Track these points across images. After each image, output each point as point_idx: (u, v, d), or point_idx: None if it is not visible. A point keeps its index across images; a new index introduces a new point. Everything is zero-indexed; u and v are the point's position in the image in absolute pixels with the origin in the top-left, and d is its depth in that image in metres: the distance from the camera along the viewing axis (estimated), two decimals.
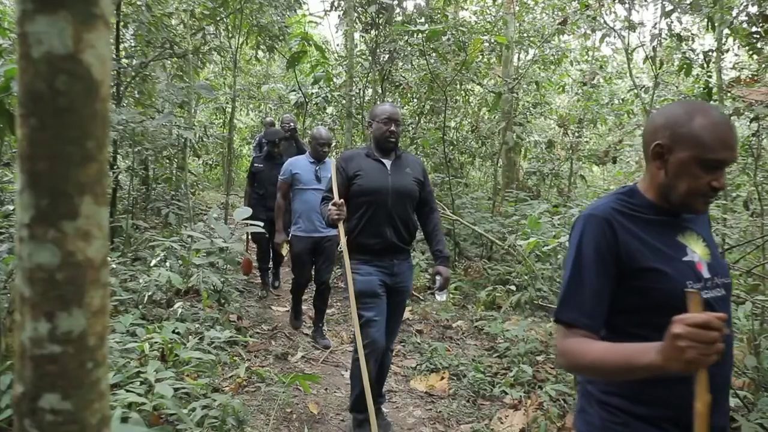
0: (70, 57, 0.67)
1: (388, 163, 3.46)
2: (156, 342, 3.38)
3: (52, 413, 0.70)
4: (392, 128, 3.40)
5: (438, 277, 3.50)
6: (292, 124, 7.41)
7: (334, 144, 13.06)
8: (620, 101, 10.75)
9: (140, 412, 2.64)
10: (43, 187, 0.67)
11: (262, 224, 5.32)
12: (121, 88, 6.79)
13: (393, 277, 3.46)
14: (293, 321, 5.42)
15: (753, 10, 5.37)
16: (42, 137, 0.67)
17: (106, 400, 0.75)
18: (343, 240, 3.25)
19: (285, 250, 5.27)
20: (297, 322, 5.41)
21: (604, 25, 7.35)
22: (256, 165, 6.53)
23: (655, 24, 6.35)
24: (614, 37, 7.45)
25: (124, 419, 2.43)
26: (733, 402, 2.95)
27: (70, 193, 0.68)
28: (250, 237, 7.08)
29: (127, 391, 2.72)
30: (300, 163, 5.17)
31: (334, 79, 10.25)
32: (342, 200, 3.16)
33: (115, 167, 6.62)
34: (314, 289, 5.31)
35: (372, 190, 3.36)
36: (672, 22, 6.30)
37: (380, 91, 9.16)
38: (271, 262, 6.83)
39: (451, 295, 6.46)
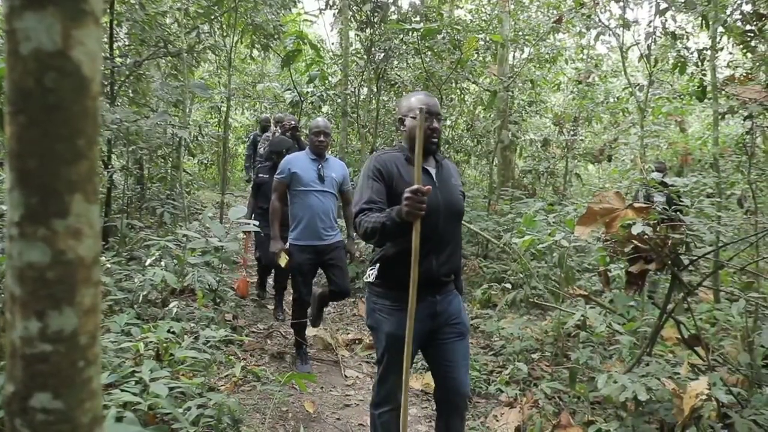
0: (59, 54, 0.66)
1: (432, 171, 2.67)
2: (151, 341, 3.37)
3: (43, 412, 0.69)
4: (434, 124, 2.60)
5: None
6: (293, 122, 7.09)
7: (331, 144, 13.12)
8: (615, 99, 10.78)
9: (135, 411, 2.63)
10: (33, 185, 0.67)
11: (258, 229, 5.30)
12: (116, 87, 6.77)
13: (435, 318, 2.62)
14: (299, 365, 4.60)
15: (747, 8, 5.39)
16: (31, 135, 0.66)
17: (98, 399, 0.75)
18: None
19: (283, 261, 4.53)
20: (305, 366, 4.60)
21: (599, 24, 7.36)
22: (260, 176, 5.97)
23: (650, 22, 6.36)
24: (609, 35, 7.46)
25: (119, 419, 2.42)
26: (726, 398, 2.95)
27: (60, 191, 0.68)
28: (255, 256, 6.52)
29: (122, 390, 2.71)
30: (299, 161, 4.49)
31: (330, 78, 10.25)
32: (428, 187, 2.27)
33: (109, 166, 6.60)
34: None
35: None
36: (666, 20, 6.32)
37: (375, 89, 9.16)
38: (269, 281, 6.29)
39: None
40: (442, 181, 2.69)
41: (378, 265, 2.64)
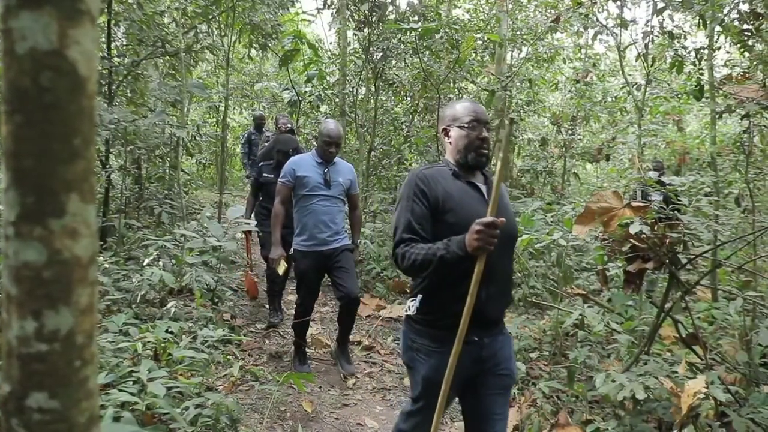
0: (55, 53, 0.66)
1: (483, 188, 2.31)
2: (149, 341, 3.37)
3: (39, 412, 0.69)
4: (484, 134, 2.28)
5: None
6: (289, 125, 7.04)
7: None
8: (613, 99, 10.79)
9: (133, 411, 2.63)
10: (29, 185, 0.67)
11: (254, 227, 5.27)
12: (113, 87, 6.76)
13: (479, 364, 2.25)
14: (297, 365, 4.50)
15: (744, 7, 5.39)
16: (27, 134, 0.66)
17: (95, 399, 0.75)
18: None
19: (282, 269, 4.34)
20: (303, 367, 4.49)
21: (597, 23, 7.37)
22: (264, 175, 5.71)
23: (647, 21, 6.37)
24: (607, 34, 7.47)
25: (117, 418, 2.42)
26: (724, 397, 2.96)
27: (56, 191, 0.68)
28: (253, 260, 6.27)
29: (120, 390, 2.71)
30: (305, 164, 4.29)
31: (327, 78, 10.24)
32: (502, 219, 1.96)
33: (107, 166, 6.60)
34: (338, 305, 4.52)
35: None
36: (664, 19, 6.32)
37: (373, 89, 9.15)
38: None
39: None
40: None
41: (420, 296, 2.27)
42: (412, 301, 2.32)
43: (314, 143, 13.63)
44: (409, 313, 2.32)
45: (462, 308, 1.97)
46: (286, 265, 4.36)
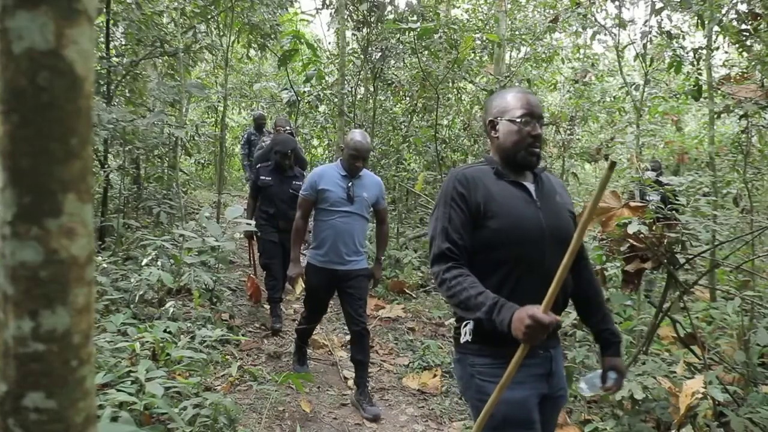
0: (52, 53, 0.66)
1: (531, 187, 2.07)
2: (147, 341, 3.37)
3: (36, 412, 0.69)
4: (537, 130, 2.02)
5: (612, 374, 2.08)
6: (287, 128, 6.96)
7: (326, 143, 13.09)
8: (612, 99, 10.79)
9: (131, 411, 2.63)
10: (26, 185, 0.67)
11: (253, 225, 5.25)
12: (112, 87, 6.75)
13: (550, 379, 2.03)
14: (297, 366, 4.47)
15: (742, 7, 5.39)
16: (24, 134, 0.66)
17: (92, 399, 0.75)
18: None
19: (300, 288, 4.07)
20: (303, 368, 4.46)
21: (595, 23, 7.37)
22: (262, 178, 5.49)
23: (646, 21, 6.36)
24: (605, 34, 7.47)
25: (115, 418, 2.42)
26: (722, 397, 2.97)
27: (53, 191, 0.68)
28: (258, 262, 5.93)
29: (118, 390, 2.71)
30: (329, 177, 3.98)
31: (326, 78, 10.24)
32: (556, 318, 1.74)
33: (106, 166, 6.59)
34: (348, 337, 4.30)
35: (520, 237, 1.95)
36: (662, 19, 6.32)
37: (372, 89, 9.15)
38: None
39: None
40: (544, 199, 2.07)
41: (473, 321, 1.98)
42: (466, 325, 2.00)
43: (313, 144, 13.66)
44: (466, 339, 1.98)
45: None
46: (303, 285, 4.06)
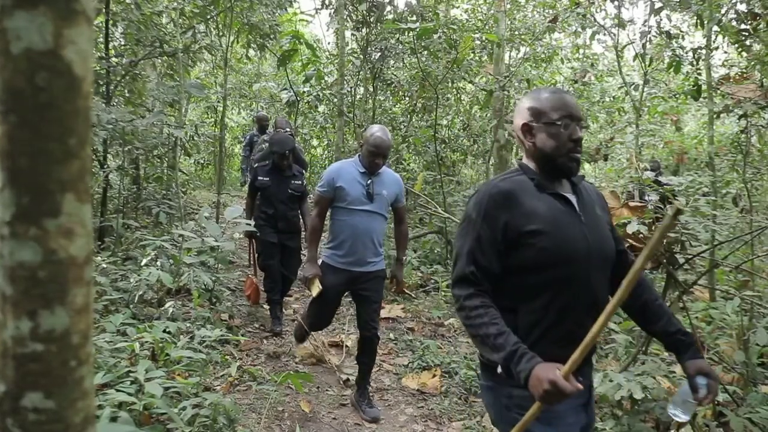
0: (51, 53, 0.66)
1: (573, 199, 1.88)
2: (147, 341, 3.37)
3: (34, 412, 0.69)
4: (578, 134, 1.83)
5: (701, 379, 1.80)
6: (288, 129, 6.89)
7: (326, 143, 13.09)
8: (611, 99, 10.80)
9: (130, 411, 2.63)
10: (24, 185, 0.67)
11: (254, 228, 5.23)
12: (111, 87, 6.75)
13: (589, 408, 1.91)
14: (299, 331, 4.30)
15: (742, 7, 5.39)
16: (22, 134, 0.66)
17: (90, 399, 0.75)
18: None
19: (316, 290, 3.79)
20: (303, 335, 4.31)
21: (595, 23, 7.37)
22: (260, 179, 5.39)
23: (645, 21, 6.37)
24: (604, 34, 7.48)
25: (114, 418, 2.42)
26: (722, 396, 2.97)
27: (51, 191, 0.68)
28: (257, 263, 5.83)
29: (117, 390, 2.71)
30: (347, 174, 3.78)
31: (326, 78, 10.25)
32: (578, 387, 1.56)
33: (105, 166, 6.59)
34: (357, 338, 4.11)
35: (567, 257, 1.76)
36: (661, 19, 6.33)
37: (372, 89, 9.16)
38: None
39: (443, 293, 6.47)
40: (586, 212, 1.87)
41: None
42: None
43: (313, 144, 13.66)
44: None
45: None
46: (320, 287, 3.80)
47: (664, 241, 3.24)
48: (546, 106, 1.85)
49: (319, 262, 3.90)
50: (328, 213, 3.95)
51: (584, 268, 1.77)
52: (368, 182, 3.76)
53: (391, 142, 3.82)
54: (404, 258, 4.16)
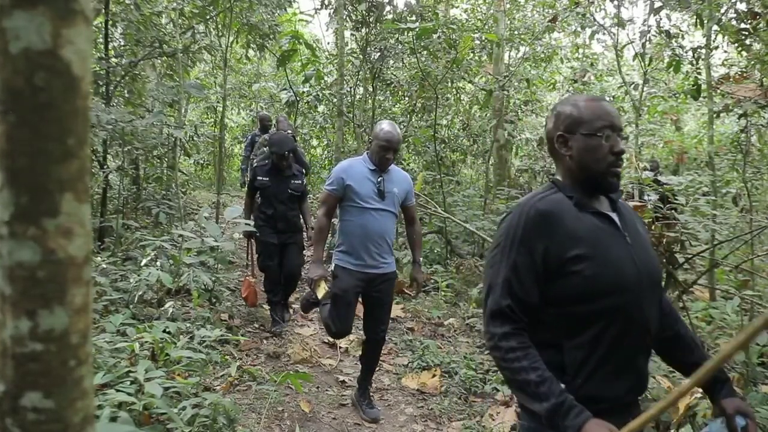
0: (49, 53, 0.66)
1: (615, 217, 1.69)
2: (146, 341, 3.37)
3: (34, 412, 0.69)
4: (620, 146, 1.66)
5: (740, 420, 1.63)
6: (289, 130, 6.83)
7: (325, 143, 13.08)
8: (611, 98, 10.80)
9: (130, 411, 2.63)
10: (23, 184, 0.67)
11: (253, 228, 5.22)
12: (111, 88, 6.75)
13: None
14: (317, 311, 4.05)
15: (741, 6, 5.40)
16: (21, 134, 0.66)
17: (90, 398, 0.75)
18: None
19: (322, 292, 3.70)
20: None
21: (594, 23, 7.38)
22: (259, 179, 5.33)
23: (645, 21, 6.37)
24: (604, 34, 7.48)
25: (114, 418, 2.42)
26: None
27: (50, 190, 0.68)
28: (257, 264, 5.70)
29: (117, 390, 2.71)
30: (356, 171, 3.66)
31: (325, 78, 10.25)
32: None
33: (105, 167, 6.59)
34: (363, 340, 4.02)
35: (617, 284, 1.57)
36: (661, 19, 6.33)
37: (371, 89, 9.16)
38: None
39: (443, 293, 6.47)
40: (631, 232, 1.68)
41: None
42: None
43: (312, 144, 13.65)
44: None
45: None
46: (327, 288, 3.73)
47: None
48: (585, 114, 1.66)
49: (331, 267, 3.80)
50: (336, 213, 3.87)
51: (636, 295, 1.58)
52: (379, 179, 3.64)
53: (400, 136, 3.72)
54: (420, 259, 4.00)
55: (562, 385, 1.50)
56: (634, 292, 1.57)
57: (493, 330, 1.58)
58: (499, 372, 4.34)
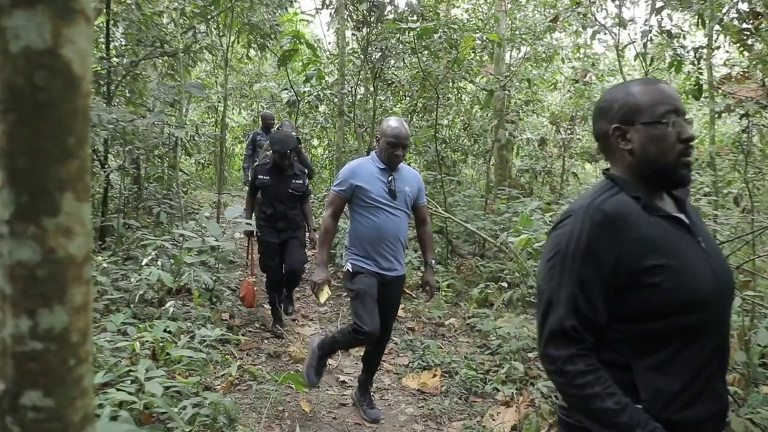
0: (49, 52, 0.66)
1: (685, 219, 1.50)
2: (147, 341, 3.37)
3: (33, 410, 0.69)
4: (689, 132, 1.45)
5: None
6: (293, 133, 6.62)
7: (326, 143, 13.07)
8: None
9: (131, 410, 2.63)
10: (23, 184, 0.67)
11: (253, 227, 5.21)
12: (112, 87, 6.76)
13: None
14: (312, 375, 3.75)
15: (743, 6, 5.39)
16: (21, 133, 0.66)
17: (89, 397, 0.75)
18: None
19: (325, 296, 3.62)
20: (315, 378, 3.77)
21: (595, 22, 7.37)
22: (260, 177, 5.27)
23: (646, 21, 6.36)
24: (605, 34, 7.47)
25: (114, 418, 2.42)
26: None
27: (50, 190, 0.68)
28: (258, 264, 5.65)
29: (118, 389, 2.71)
30: (365, 171, 3.55)
31: (326, 78, 10.25)
32: None
33: (106, 166, 6.60)
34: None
35: (698, 298, 1.39)
36: (662, 18, 6.32)
37: (372, 89, 9.16)
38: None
39: (443, 293, 6.47)
40: (705, 238, 1.50)
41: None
42: None
43: (313, 144, 13.65)
44: None
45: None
46: (329, 292, 3.66)
47: None
48: (642, 100, 1.45)
49: (347, 267, 3.65)
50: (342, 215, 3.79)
51: (716, 309, 1.42)
52: (389, 178, 3.53)
53: (408, 131, 3.61)
54: (432, 261, 3.90)
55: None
56: (714, 305, 1.41)
57: (555, 353, 1.40)
58: (500, 372, 4.35)
